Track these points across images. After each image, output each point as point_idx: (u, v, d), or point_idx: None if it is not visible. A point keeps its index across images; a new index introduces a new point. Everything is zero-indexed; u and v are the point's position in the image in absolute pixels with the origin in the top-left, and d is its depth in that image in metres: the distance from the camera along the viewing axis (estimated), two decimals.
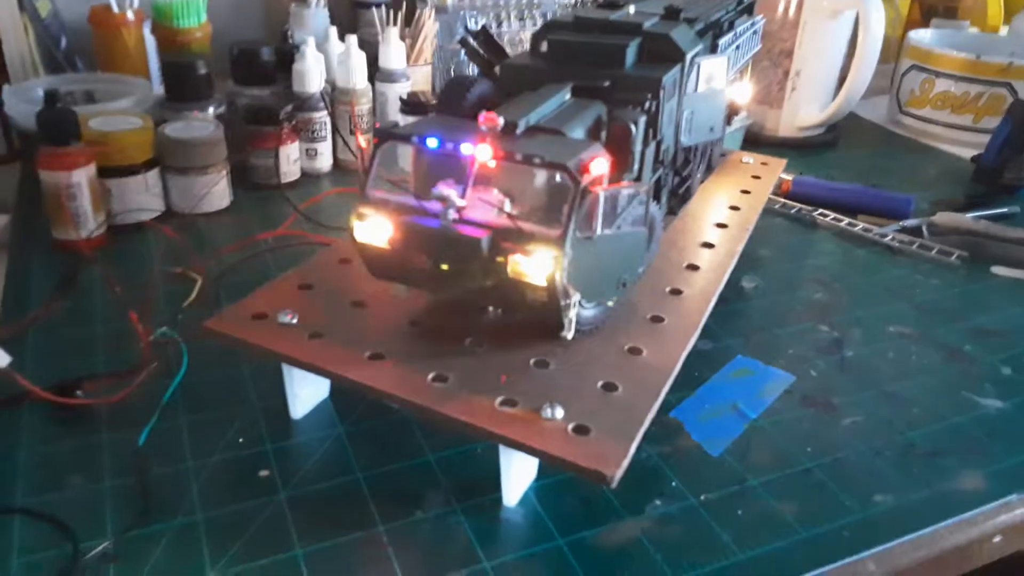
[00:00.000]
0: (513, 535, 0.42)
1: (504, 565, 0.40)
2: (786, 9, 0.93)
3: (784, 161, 0.78)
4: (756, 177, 0.73)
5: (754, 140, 0.99)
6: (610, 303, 0.47)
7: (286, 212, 0.73)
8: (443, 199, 0.38)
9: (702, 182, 0.71)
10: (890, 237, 0.75)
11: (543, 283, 0.38)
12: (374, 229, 0.41)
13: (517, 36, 1.06)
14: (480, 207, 0.40)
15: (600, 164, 0.38)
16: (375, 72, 0.90)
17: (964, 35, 1.10)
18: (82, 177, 0.64)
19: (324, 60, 0.85)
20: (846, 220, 0.78)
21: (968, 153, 0.93)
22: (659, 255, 0.57)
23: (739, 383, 0.55)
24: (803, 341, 0.60)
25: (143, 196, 0.70)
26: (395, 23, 0.92)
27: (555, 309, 0.41)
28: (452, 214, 0.38)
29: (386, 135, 0.41)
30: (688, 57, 0.54)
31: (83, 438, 0.46)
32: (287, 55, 0.84)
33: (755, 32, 0.70)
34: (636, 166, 0.48)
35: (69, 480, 0.44)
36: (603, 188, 0.39)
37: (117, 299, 0.59)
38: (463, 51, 0.64)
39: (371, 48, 0.90)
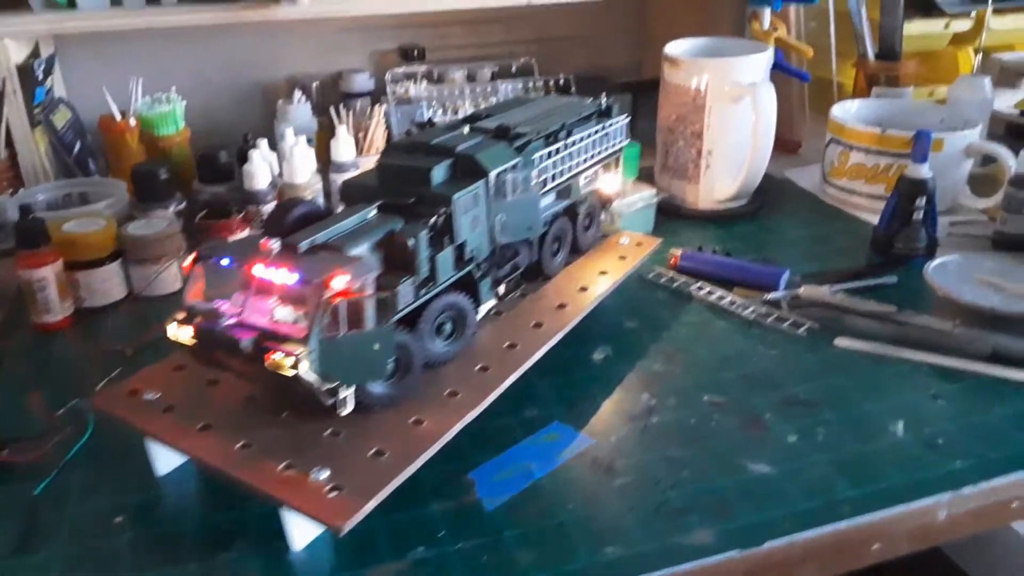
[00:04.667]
0: (291, 573, 0.53)
1: None
2: (695, 95, 1.02)
3: (658, 240, 0.87)
4: (623, 257, 0.83)
5: (675, 213, 1.07)
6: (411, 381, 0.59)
7: None
8: (212, 311, 0.50)
9: (568, 264, 0.81)
10: (750, 310, 0.82)
11: (291, 373, 0.50)
12: (181, 330, 0.54)
13: None
14: (261, 311, 0.52)
15: (340, 280, 0.50)
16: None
17: (895, 104, 1.16)
18: (48, 272, 0.79)
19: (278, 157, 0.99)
20: (718, 293, 0.86)
21: None
22: (488, 334, 0.68)
23: (543, 446, 0.64)
24: (620, 409, 0.68)
25: (108, 284, 0.85)
26: (342, 121, 1.06)
27: (312, 393, 0.52)
28: (226, 320, 0.50)
29: (200, 257, 0.54)
30: (493, 174, 0.64)
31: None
32: (247, 156, 0.98)
33: (606, 134, 0.80)
34: (425, 269, 0.59)
35: None
36: (344, 298, 0.50)
37: (40, 381, 0.73)
38: None
39: None
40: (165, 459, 0.61)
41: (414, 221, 0.60)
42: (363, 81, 1.31)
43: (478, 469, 0.62)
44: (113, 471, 0.62)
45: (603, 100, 0.81)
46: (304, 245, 0.54)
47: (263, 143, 0.97)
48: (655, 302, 0.86)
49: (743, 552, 0.54)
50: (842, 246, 0.99)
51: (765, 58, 1.02)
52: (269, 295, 0.52)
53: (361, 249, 0.56)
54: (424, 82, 1.23)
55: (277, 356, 0.50)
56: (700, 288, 0.87)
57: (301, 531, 0.54)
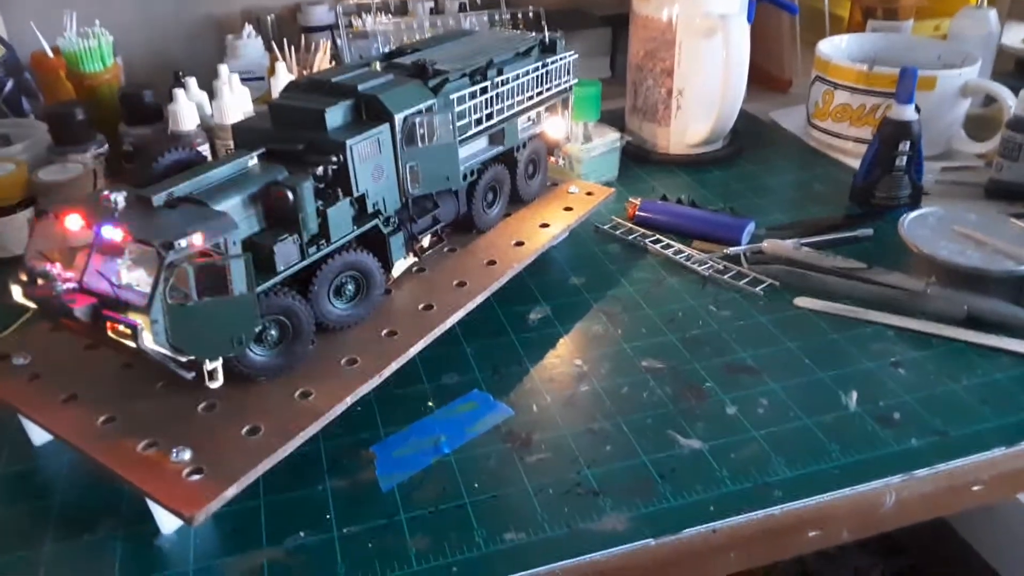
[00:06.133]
0: (154, 560, 0.48)
1: None
2: (664, 28, 0.93)
3: (611, 190, 0.79)
4: (569, 209, 0.76)
5: (644, 158, 1.00)
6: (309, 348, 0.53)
7: None
8: (48, 274, 0.44)
9: (507, 215, 0.74)
10: (707, 266, 0.75)
11: (134, 344, 0.44)
12: (23, 292, 0.48)
13: None
14: (106, 274, 0.46)
15: (187, 240, 0.44)
16: None
17: (889, 40, 1.06)
18: None
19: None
20: (675, 247, 0.79)
21: None
22: (404, 294, 0.62)
23: (458, 417, 0.59)
24: (548, 376, 0.63)
25: (20, 233, 0.80)
26: (284, 57, 0.99)
27: (163, 364, 0.46)
28: (62, 285, 0.45)
29: (41, 212, 0.48)
30: (400, 117, 0.57)
31: None
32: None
33: (547, 72, 0.72)
34: (312, 225, 0.52)
35: None
36: (194, 261, 0.44)
37: None
38: None
39: None
40: (40, 430, 0.56)
41: (302, 170, 0.53)
42: (322, 14, 1.22)
43: (382, 443, 0.56)
44: None
45: (546, 34, 0.73)
46: (159, 199, 0.47)
47: (191, 81, 0.90)
48: (607, 256, 0.79)
49: (657, 540, 0.49)
50: (821, 195, 0.92)
51: None
52: (118, 256, 0.46)
53: (232, 203, 0.49)
54: (382, 15, 1.15)
55: (118, 325, 0.44)
56: (656, 241, 0.80)
57: (168, 514, 0.49)
